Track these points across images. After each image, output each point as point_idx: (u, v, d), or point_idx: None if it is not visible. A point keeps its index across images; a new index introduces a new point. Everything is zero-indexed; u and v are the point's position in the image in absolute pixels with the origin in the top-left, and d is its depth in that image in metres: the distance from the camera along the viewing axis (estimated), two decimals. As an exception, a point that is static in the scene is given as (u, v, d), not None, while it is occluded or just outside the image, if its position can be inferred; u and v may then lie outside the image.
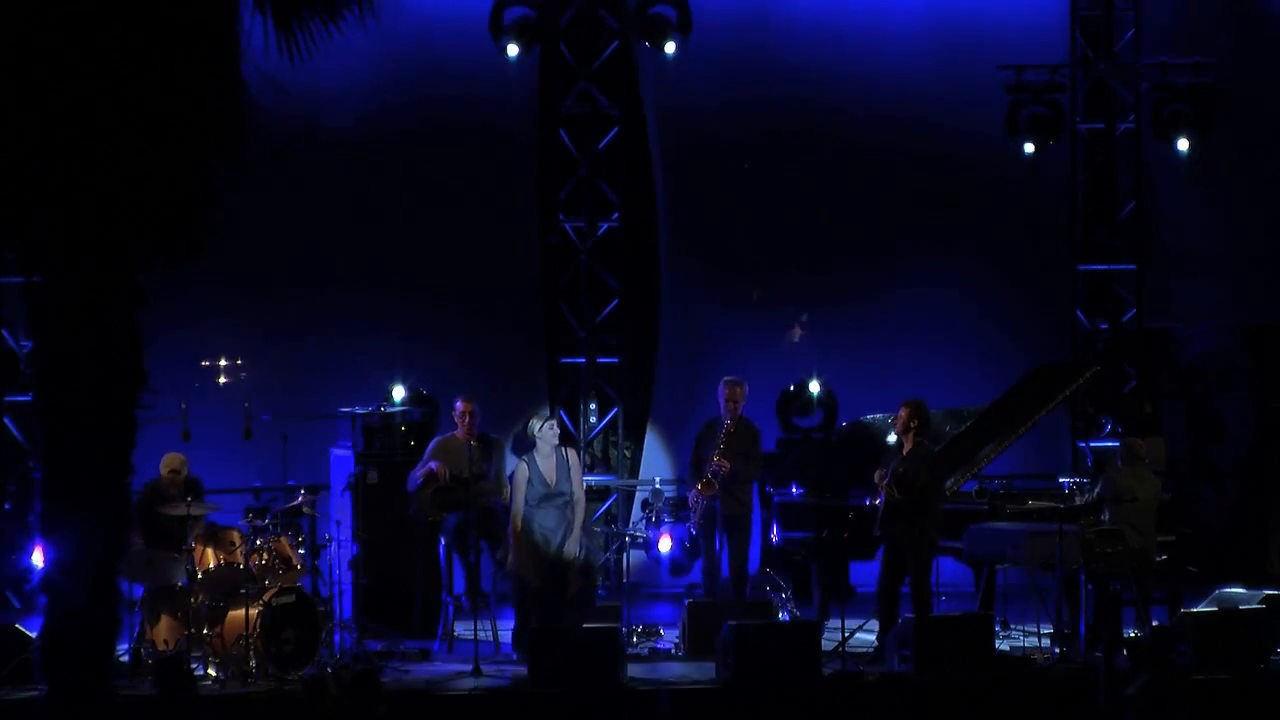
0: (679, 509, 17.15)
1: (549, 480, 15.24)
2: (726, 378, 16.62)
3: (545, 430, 15.33)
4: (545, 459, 15.28)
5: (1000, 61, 19.91)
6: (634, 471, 19.91)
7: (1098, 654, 14.89)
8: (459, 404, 16.04)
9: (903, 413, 15.55)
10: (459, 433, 15.99)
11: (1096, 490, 15.98)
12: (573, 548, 15.18)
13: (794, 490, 17.57)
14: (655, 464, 19.96)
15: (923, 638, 14.66)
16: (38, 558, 17.43)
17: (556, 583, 15.14)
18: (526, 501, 15.18)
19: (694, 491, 16.33)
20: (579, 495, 15.35)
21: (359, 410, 16.94)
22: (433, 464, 15.82)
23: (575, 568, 15.19)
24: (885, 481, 15.31)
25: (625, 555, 16.51)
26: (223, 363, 19.17)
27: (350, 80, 18.92)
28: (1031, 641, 15.79)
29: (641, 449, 20.04)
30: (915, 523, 15.28)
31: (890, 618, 15.34)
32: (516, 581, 15.26)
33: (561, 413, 19.70)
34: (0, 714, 13.87)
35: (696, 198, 20.34)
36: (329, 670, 13.74)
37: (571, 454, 15.46)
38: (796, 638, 14.72)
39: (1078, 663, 14.98)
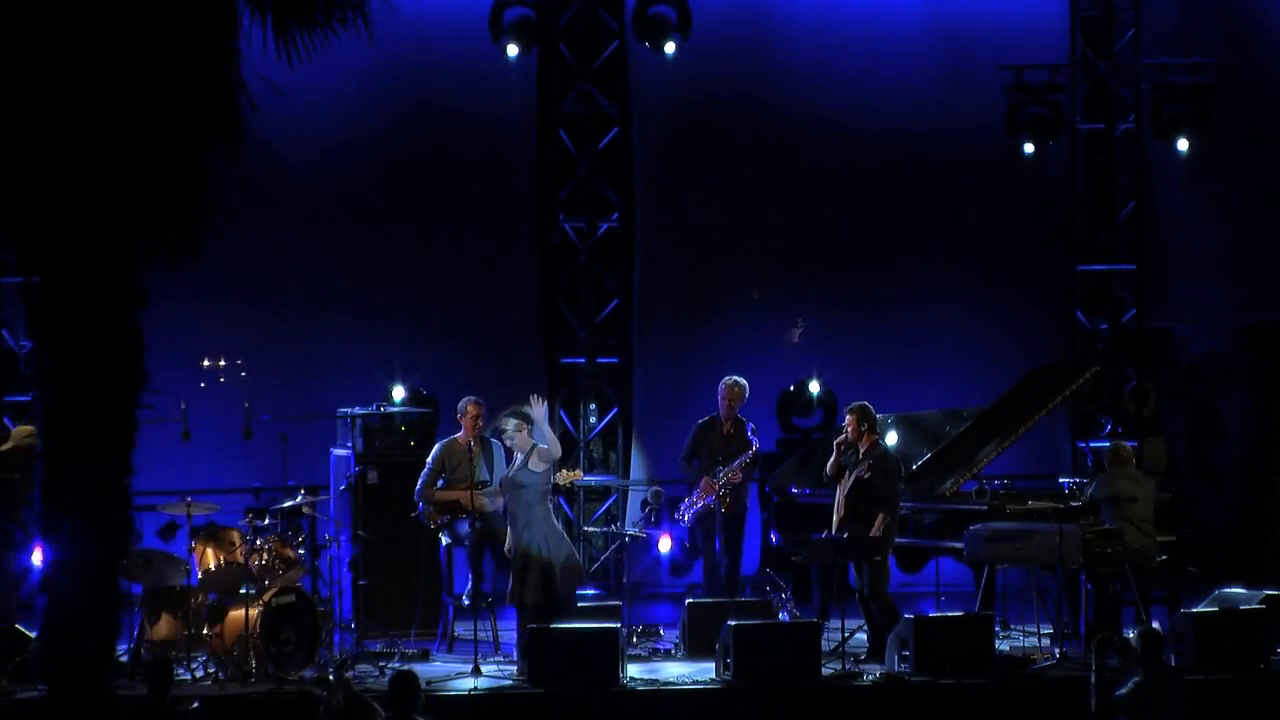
0: (677, 509, 17.13)
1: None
2: (727, 378, 16.68)
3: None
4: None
5: (1000, 62, 19.92)
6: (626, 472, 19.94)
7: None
8: (469, 406, 15.94)
9: (850, 419, 15.70)
10: (462, 435, 15.96)
11: (1089, 492, 16.01)
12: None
13: (793, 491, 17.55)
14: (650, 464, 19.99)
15: (923, 638, 14.66)
16: (38, 558, 17.43)
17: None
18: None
19: (696, 491, 16.42)
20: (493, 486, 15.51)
21: (359, 410, 16.94)
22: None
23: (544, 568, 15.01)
24: (848, 479, 15.53)
25: (625, 555, 16.51)
26: (222, 363, 19.15)
27: (349, 80, 18.90)
28: (1031, 642, 15.79)
29: (630, 447, 20.02)
30: (870, 523, 15.41)
31: (870, 618, 15.54)
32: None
33: (561, 413, 19.71)
34: (0, 714, 13.87)
35: (697, 198, 20.34)
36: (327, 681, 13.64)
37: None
38: (796, 638, 14.72)
39: (1077, 663, 14.97)
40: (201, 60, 10.83)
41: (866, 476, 15.52)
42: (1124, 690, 12.74)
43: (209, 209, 10.97)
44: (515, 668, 14.83)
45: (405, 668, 12.88)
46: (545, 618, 14.61)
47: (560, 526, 15.13)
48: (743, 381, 16.67)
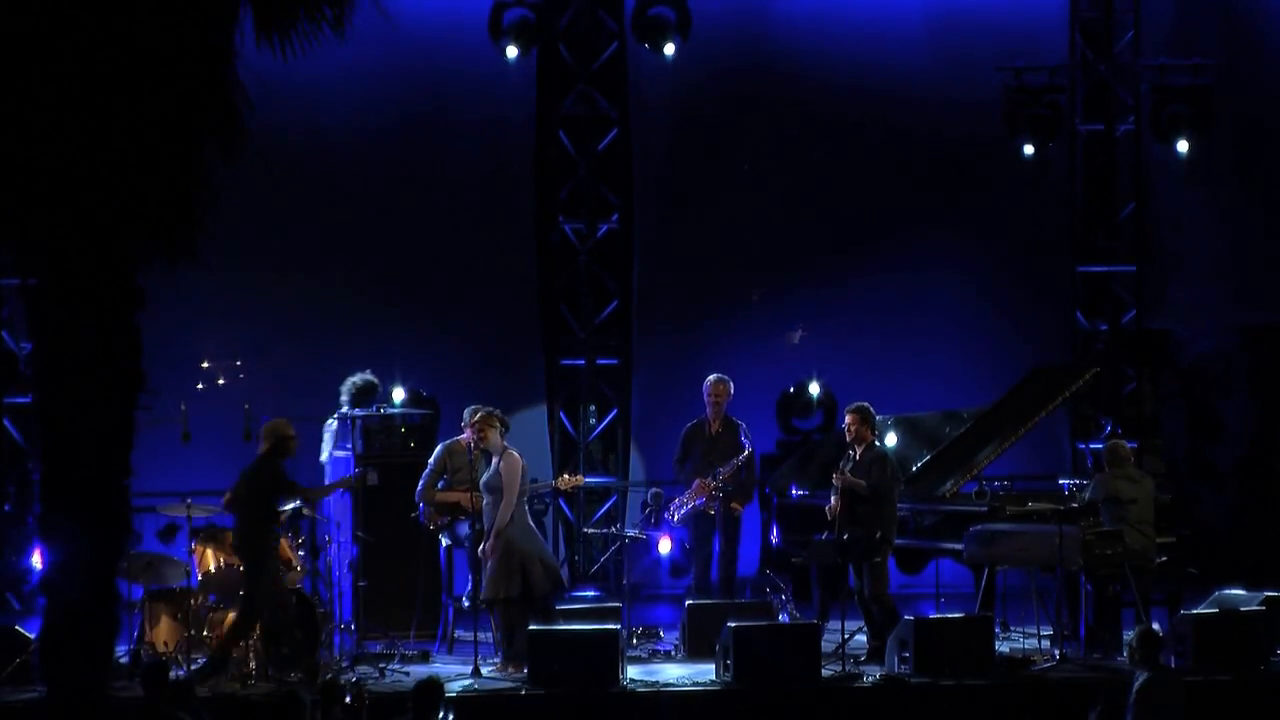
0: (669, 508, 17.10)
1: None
2: (710, 377, 16.66)
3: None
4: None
5: (1000, 62, 19.93)
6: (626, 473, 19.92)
7: (1095, 655, 14.95)
8: (476, 417, 15.79)
9: (850, 419, 15.70)
10: (464, 437, 15.94)
11: (1088, 494, 15.99)
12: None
13: (793, 492, 17.54)
14: (650, 466, 19.98)
15: (923, 639, 14.66)
16: (37, 559, 17.44)
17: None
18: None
19: (688, 492, 16.37)
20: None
21: (359, 411, 16.93)
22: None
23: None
24: (839, 483, 15.52)
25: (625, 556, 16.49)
26: (222, 363, 19.15)
27: (349, 81, 18.92)
28: (1031, 643, 15.78)
29: (629, 449, 20.01)
30: (869, 524, 15.39)
31: (870, 619, 15.54)
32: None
33: (561, 414, 19.70)
34: (0, 714, 13.87)
35: (697, 198, 20.34)
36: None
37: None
38: (796, 639, 14.72)
39: (1077, 664, 14.97)
40: (197, 59, 10.82)
41: (860, 476, 15.50)
42: (1130, 696, 12.64)
43: (206, 209, 10.97)
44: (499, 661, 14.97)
45: (429, 673, 12.81)
46: (523, 616, 14.65)
47: (533, 528, 15.14)
48: (726, 378, 16.64)
